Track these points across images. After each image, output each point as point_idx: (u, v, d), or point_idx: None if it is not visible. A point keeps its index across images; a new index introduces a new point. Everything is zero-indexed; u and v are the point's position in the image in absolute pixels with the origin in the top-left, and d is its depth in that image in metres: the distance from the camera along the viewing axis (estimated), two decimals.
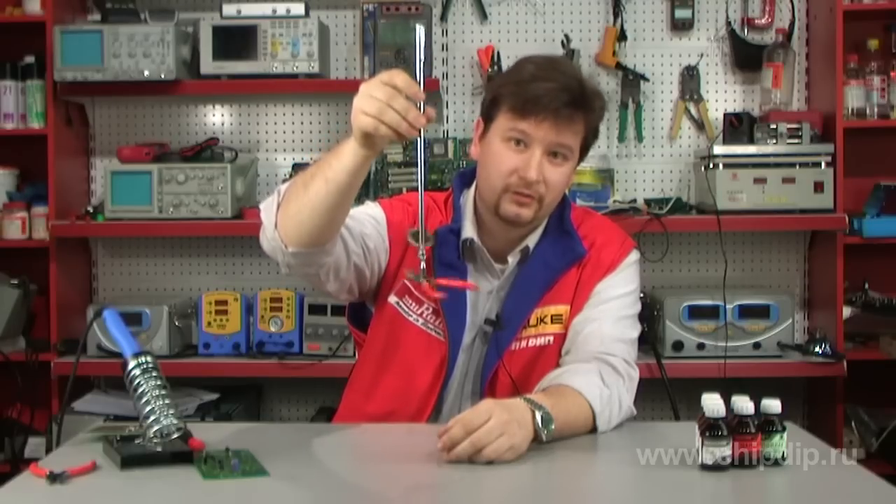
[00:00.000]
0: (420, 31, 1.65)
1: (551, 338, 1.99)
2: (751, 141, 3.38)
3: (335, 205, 1.74)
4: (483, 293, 2.01)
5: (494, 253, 2.02)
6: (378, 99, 1.59)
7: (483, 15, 3.64)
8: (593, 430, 1.83)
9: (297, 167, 3.60)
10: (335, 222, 1.79)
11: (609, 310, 1.98)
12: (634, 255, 2.07)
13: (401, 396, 1.99)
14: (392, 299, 2.00)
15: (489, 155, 1.96)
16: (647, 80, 3.62)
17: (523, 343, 1.98)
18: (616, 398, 1.87)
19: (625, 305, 2.02)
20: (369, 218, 1.98)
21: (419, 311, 1.99)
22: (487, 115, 1.98)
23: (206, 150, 3.51)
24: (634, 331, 2.03)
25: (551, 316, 1.99)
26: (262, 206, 1.86)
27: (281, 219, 1.79)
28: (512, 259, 2.01)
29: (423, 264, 1.73)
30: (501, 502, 1.58)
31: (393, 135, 1.61)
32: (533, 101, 1.89)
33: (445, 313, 1.97)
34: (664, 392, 3.19)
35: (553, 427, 1.70)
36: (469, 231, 2.01)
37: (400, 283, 2.00)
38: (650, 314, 3.41)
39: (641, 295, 3.43)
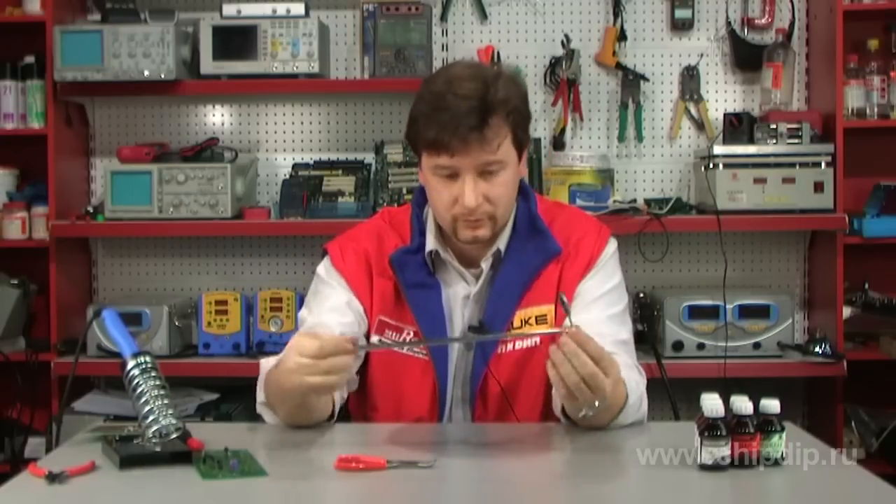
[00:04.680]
0: None
1: (538, 339, 1.96)
2: (751, 141, 3.37)
3: (311, 412, 1.83)
4: (459, 299, 2.00)
5: (467, 259, 2.01)
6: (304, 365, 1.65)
7: (483, 15, 3.63)
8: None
9: (297, 167, 3.60)
10: (322, 411, 1.86)
11: (596, 311, 1.97)
12: (612, 246, 2.05)
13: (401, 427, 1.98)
14: (374, 339, 2.00)
15: (428, 187, 1.95)
16: (647, 80, 3.62)
17: (509, 346, 1.97)
18: (643, 397, 1.91)
19: (610, 303, 2.00)
20: (341, 311, 1.99)
21: (401, 339, 1.99)
22: (413, 148, 1.97)
23: (206, 150, 3.51)
24: (625, 331, 2.01)
25: (535, 317, 1.97)
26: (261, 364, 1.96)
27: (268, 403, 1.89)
28: (485, 264, 1.99)
29: None
30: (500, 500, 1.58)
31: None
32: (440, 136, 1.84)
33: (426, 337, 1.95)
34: (664, 392, 3.19)
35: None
36: (432, 243, 1.99)
37: (376, 322, 2.00)
38: (650, 314, 3.41)
39: (641, 295, 3.48)
